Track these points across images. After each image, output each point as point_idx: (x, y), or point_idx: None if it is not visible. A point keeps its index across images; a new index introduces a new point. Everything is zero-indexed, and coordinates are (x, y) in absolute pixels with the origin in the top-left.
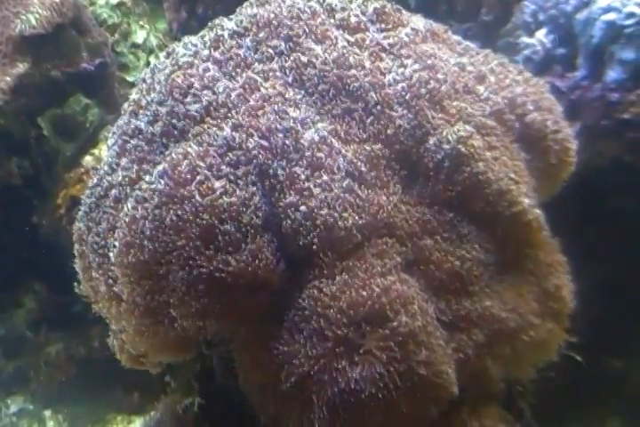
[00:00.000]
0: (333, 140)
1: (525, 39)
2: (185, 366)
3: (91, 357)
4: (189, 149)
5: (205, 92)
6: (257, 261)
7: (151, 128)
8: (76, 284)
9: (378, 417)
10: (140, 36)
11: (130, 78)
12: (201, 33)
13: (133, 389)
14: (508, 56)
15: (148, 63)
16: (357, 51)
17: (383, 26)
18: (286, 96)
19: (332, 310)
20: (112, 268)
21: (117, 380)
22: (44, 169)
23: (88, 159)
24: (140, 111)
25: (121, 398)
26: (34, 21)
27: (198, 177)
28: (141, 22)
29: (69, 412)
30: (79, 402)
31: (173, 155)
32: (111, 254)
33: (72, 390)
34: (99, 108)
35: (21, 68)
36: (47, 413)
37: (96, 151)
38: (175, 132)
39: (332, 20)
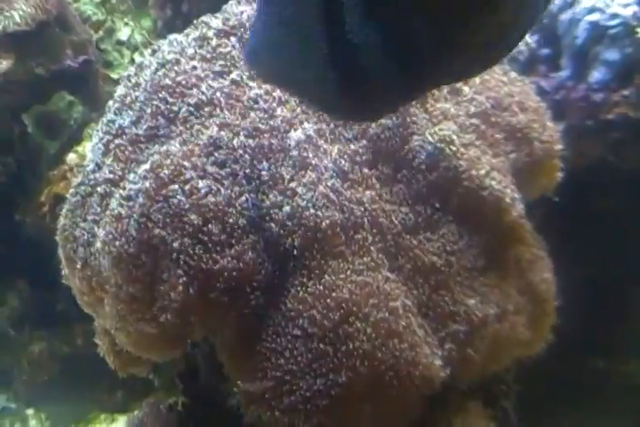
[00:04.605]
0: (319, 139)
1: None
2: (169, 364)
3: (74, 355)
4: (173, 149)
5: (191, 90)
6: (241, 263)
7: (135, 127)
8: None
9: (365, 416)
10: (124, 33)
11: (114, 75)
12: (186, 31)
13: (117, 387)
14: None
15: (132, 60)
16: None
17: None
18: (273, 94)
19: (316, 310)
20: (98, 261)
21: (101, 378)
22: (27, 166)
23: (72, 157)
24: (125, 109)
25: (104, 396)
26: (17, 18)
27: (182, 176)
28: (126, 19)
29: (52, 411)
30: (62, 401)
31: (157, 154)
32: (97, 254)
33: (55, 389)
34: (83, 105)
35: (5, 64)
36: (30, 411)
37: (80, 149)
38: (160, 132)
39: None
